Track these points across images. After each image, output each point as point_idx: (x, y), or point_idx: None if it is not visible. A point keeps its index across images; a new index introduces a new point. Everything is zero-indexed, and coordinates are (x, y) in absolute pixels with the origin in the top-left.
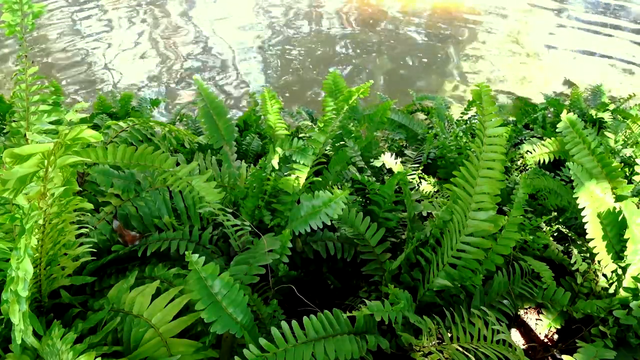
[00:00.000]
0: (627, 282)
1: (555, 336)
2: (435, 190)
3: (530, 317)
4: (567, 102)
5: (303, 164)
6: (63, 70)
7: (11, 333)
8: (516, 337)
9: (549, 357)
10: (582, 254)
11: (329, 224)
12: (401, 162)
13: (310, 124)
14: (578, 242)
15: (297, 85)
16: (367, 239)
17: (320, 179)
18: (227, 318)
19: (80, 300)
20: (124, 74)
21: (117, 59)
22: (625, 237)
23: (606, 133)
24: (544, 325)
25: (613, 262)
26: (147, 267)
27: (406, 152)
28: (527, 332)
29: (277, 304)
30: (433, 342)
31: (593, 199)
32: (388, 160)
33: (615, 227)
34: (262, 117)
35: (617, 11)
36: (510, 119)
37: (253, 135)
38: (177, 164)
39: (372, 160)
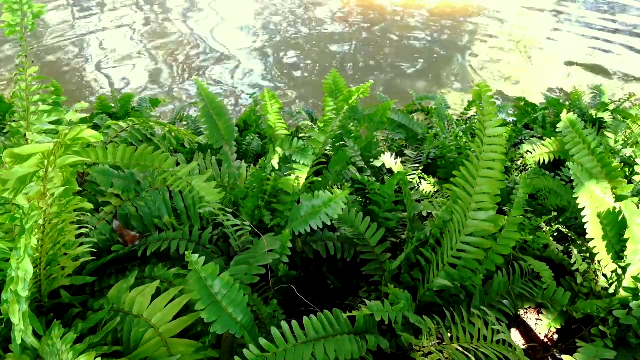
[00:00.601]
0: (627, 282)
1: (555, 336)
2: (435, 190)
3: (530, 317)
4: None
5: (303, 164)
6: (62, 74)
7: (11, 333)
8: (516, 337)
9: (549, 357)
10: (582, 254)
11: (329, 224)
12: (401, 162)
13: (310, 124)
14: (578, 242)
15: (297, 85)
16: (367, 239)
17: (320, 179)
18: (227, 318)
19: (80, 300)
20: (123, 77)
21: (116, 62)
22: (625, 237)
23: (606, 133)
24: (544, 325)
25: (613, 262)
26: (147, 267)
27: (406, 152)
28: (527, 332)
29: (277, 304)
30: (433, 342)
31: (593, 199)
32: (388, 160)
33: (615, 227)
34: (262, 117)
35: (615, 13)
36: (510, 119)
37: (253, 135)
38: (177, 164)
39: (372, 160)
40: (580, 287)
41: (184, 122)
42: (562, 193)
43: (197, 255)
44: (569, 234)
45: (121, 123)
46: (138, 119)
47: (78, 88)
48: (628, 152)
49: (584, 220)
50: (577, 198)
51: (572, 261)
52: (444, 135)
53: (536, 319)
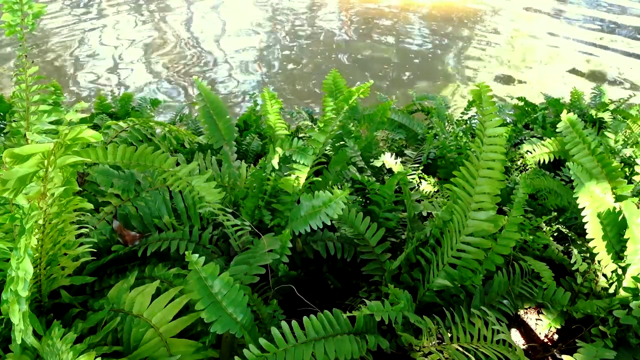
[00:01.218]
0: (627, 282)
1: (555, 336)
2: (435, 190)
3: (530, 317)
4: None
5: (303, 164)
6: (62, 75)
7: (11, 333)
8: (516, 337)
9: (549, 357)
10: (582, 254)
11: (329, 224)
12: (401, 162)
13: (310, 124)
14: (578, 242)
15: (297, 85)
16: (367, 239)
17: (320, 179)
18: (227, 318)
19: (80, 300)
20: (123, 79)
21: (116, 62)
22: (625, 237)
23: (606, 133)
24: (544, 325)
25: (613, 262)
26: (147, 267)
27: (406, 152)
28: (527, 332)
29: (277, 304)
30: (433, 342)
31: (593, 199)
32: (388, 160)
33: (615, 227)
34: (262, 117)
35: (614, 13)
36: (509, 119)
37: (253, 135)
38: (177, 164)
39: (372, 160)
40: (580, 287)
41: (184, 122)
42: (562, 193)
43: (197, 255)
44: (569, 234)
45: (121, 123)
46: (138, 119)
47: (78, 88)
48: (628, 152)
49: (584, 220)
50: (577, 198)
51: (572, 261)
52: (444, 135)
53: (536, 319)
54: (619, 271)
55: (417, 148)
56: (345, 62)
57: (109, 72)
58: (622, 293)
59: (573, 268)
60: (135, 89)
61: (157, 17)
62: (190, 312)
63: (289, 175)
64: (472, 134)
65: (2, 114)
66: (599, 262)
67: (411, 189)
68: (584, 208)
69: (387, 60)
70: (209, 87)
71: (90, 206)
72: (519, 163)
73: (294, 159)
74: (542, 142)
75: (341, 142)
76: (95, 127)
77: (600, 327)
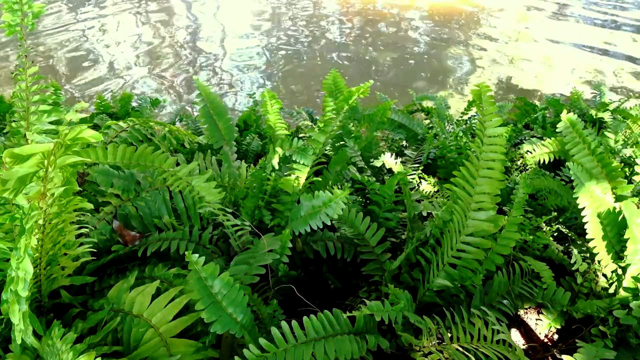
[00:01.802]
0: (627, 282)
1: (555, 336)
2: (435, 190)
3: (530, 317)
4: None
5: (303, 164)
6: (63, 75)
7: (11, 333)
8: (516, 337)
9: (549, 357)
10: (582, 254)
11: (329, 224)
12: (401, 162)
13: (310, 124)
14: (578, 242)
15: (297, 85)
16: (367, 239)
17: (320, 179)
18: (227, 318)
19: (80, 300)
20: (123, 79)
21: (116, 62)
22: (625, 237)
23: (606, 133)
24: (544, 325)
25: (613, 262)
26: (147, 267)
27: (406, 152)
28: (527, 332)
29: (277, 304)
30: (433, 342)
31: (593, 199)
32: (388, 160)
33: (615, 227)
34: (262, 117)
35: (616, 12)
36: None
37: (253, 135)
38: (177, 164)
39: (372, 160)
40: (580, 287)
41: (184, 122)
42: (562, 193)
43: (197, 255)
44: (569, 234)
45: (121, 123)
46: (138, 119)
47: (77, 88)
48: (628, 152)
49: (584, 220)
50: (577, 198)
51: (572, 261)
52: (444, 135)
53: (536, 319)
54: (619, 271)
55: (417, 148)
56: (345, 62)
57: (107, 73)
58: (622, 293)
59: (573, 268)
60: (136, 89)
61: (156, 19)
62: (190, 312)
63: (289, 175)
64: (472, 134)
65: (2, 114)
66: (599, 262)
67: (411, 189)
68: (584, 208)
69: (387, 60)
70: (208, 86)
71: (90, 206)
72: (519, 163)
73: (294, 159)
74: (542, 142)
75: (341, 142)
76: (95, 127)
77: (600, 327)
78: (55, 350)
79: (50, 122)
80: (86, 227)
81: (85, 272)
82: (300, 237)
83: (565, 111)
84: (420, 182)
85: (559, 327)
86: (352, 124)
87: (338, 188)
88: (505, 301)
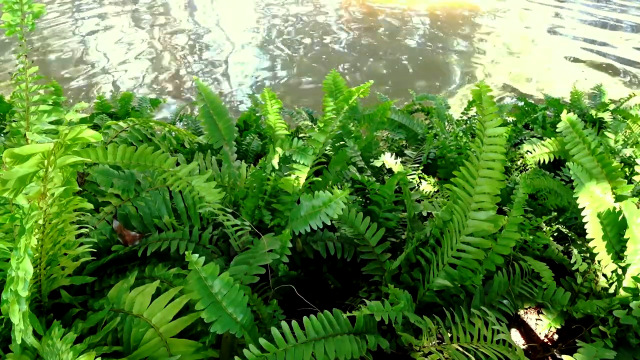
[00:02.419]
0: (627, 282)
1: (555, 336)
2: (435, 190)
3: (530, 317)
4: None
5: (303, 164)
6: (62, 75)
7: (11, 333)
8: (516, 337)
9: (549, 357)
10: (582, 254)
11: (329, 224)
12: (401, 162)
13: (310, 124)
14: (578, 242)
15: (297, 85)
16: (367, 239)
17: (320, 179)
18: (227, 318)
19: (80, 300)
20: (123, 80)
21: (116, 63)
22: (625, 237)
23: (606, 133)
24: (544, 325)
25: (613, 262)
26: (147, 267)
27: (406, 152)
28: (527, 332)
29: (277, 304)
30: (433, 342)
31: (593, 199)
32: (388, 160)
33: (615, 227)
34: (262, 117)
35: (617, 11)
36: (510, 119)
37: (253, 135)
38: (177, 164)
39: (372, 160)
40: (580, 287)
41: (184, 122)
42: (562, 193)
43: (197, 255)
44: (569, 234)
45: (121, 123)
46: (138, 119)
47: (78, 88)
48: (628, 152)
49: (584, 220)
50: (577, 198)
51: (572, 261)
52: (444, 135)
53: (536, 319)
54: (619, 271)
55: (417, 148)
56: (344, 64)
57: (110, 72)
58: (622, 293)
59: (573, 268)
60: (135, 90)
61: (155, 21)
62: (190, 312)
63: (289, 175)
64: (472, 134)
65: (2, 114)
66: (599, 262)
67: (411, 189)
68: (584, 208)
69: (387, 59)
70: (208, 86)
71: (90, 206)
72: (519, 163)
73: (294, 159)
74: (542, 142)
75: (341, 142)
76: (95, 127)
77: (600, 327)
78: (55, 350)
79: (50, 122)
80: (86, 227)
81: (85, 272)
82: (300, 237)
83: (565, 111)
84: (420, 182)
85: (559, 327)
86: (352, 124)
87: (338, 188)
88: (505, 301)
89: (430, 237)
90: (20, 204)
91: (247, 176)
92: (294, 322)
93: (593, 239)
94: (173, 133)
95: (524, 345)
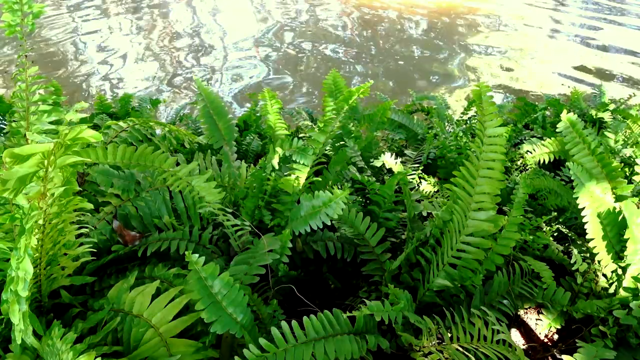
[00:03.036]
0: (627, 282)
1: (555, 336)
2: (435, 190)
3: (530, 317)
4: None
5: (303, 164)
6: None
7: (11, 333)
8: (516, 337)
9: (549, 357)
10: (582, 254)
11: (329, 224)
12: (401, 162)
13: (310, 124)
14: (578, 242)
15: (297, 85)
16: (367, 239)
17: (320, 179)
18: (227, 318)
19: (80, 300)
20: (123, 81)
21: (117, 65)
22: (625, 237)
23: (606, 133)
24: (544, 325)
25: (613, 262)
26: (147, 267)
27: (406, 152)
28: (527, 332)
29: (277, 304)
30: (433, 342)
31: (593, 199)
32: (388, 160)
33: (615, 227)
34: (262, 117)
35: (614, 11)
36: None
37: (253, 135)
38: (177, 164)
39: (372, 160)
40: (580, 287)
41: (184, 122)
42: (562, 193)
43: (197, 255)
44: (569, 234)
45: (121, 123)
46: (138, 119)
47: (78, 88)
48: (628, 152)
49: (584, 220)
50: (577, 198)
51: (572, 261)
52: (444, 135)
53: (536, 319)
54: (619, 271)
55: (417, 148)
56: (344, 63)
57: (110, 73)
58: (622, 293)
59: (573, 268)
60: (135, 90)
61: (155, 23)
62: (190, 312)
63: (289, 175)
64: (472, 134)
65: (2, 114)
66: (599, 262)
67: (411, 189)
68: (584, 208)
69: (387, 59)
70: (208, 86)
71: (90, 206)
72: (519, 163)
73: (294, 159)
74: (542, 142)
75: (341, 142)
76: (95, 127)
77: (600, 327)
78: (55, 350)
79: (50, 122)
80: (86, 227)
81: (85, 272)
82: (300, 237)
83: (565, 111)
84: (420, 182)
85: (559, 327)
86: (352, 124)
87: (338, 188)
88: (505, 301)
89: (430, 237)
90: (20, 204)
91: (247, 176)
92: (294, 322)
93: (593, 239)
94: (173, 133)
95: (524, 345)
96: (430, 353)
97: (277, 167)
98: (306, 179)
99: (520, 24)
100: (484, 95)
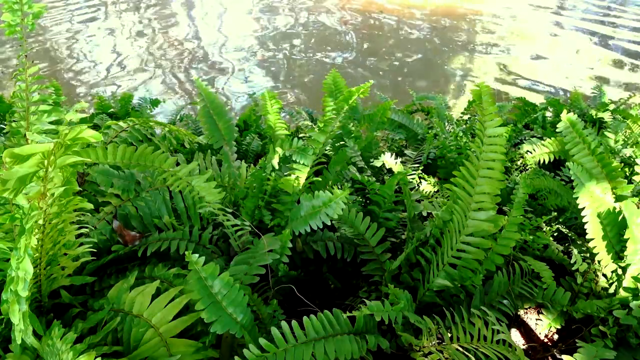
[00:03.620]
0: (627, 282)
1: (555, 336)
2: (435, 190)
3: (530, 317)
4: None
5: (303, 164)
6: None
7: (11, 333)
8: (516, 337)
9: (549, 357)
10: (582, 254)
11: (329, 224)
12: (401, 162)
13: (310, 124)
14: (578, 242)
15: (297, 85)
16: (367, 239)
17: (320, 179)
18: (227, 318)
19: (80, 300)
20: (124, 82)
21: (117, 63)
22: (625, 237)
23: (606, 133)
24: (544, 325)
25: (613, 262)
26: (147, 267)
27: (406, 152)
28: (527, 332)
29: (277, 304)
30: (433, 342)
31: (593, 199)
32: (388, 160)
33: (615, 227)
34: (262, 117)
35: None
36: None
37: (253, 135)
38: (177, 164)
39: (372, 160)
40: (580, 287)
41: (184, 122)
42: (562, 193)
43: (197, 255)
44: (569, 234)
45: (121, 123)
46: (138, 119)
47: (78, 88)
48: (628, 152)
49: (584, 220)
50: (577, 198)
51: (572, 261)
52: (444, 135)
53: (536, 319)
54: (619, 271)
55: (417, 148)
56: (344, 62)
57: (110, 73)
58: (622, 293)
59: (573, 268)
60: (135, 90)
61: (156, 26)
62: (190, 312)
63: (289, 175)
64: (472, 134)
65: (2, 114)
66: (599, 262)
67: (411, 189)
68: (584, 208)
69: (387, 59)
70: (208, 86)
71: (90, 206)
72: (519, 163)
73: (294, 159)
74: (542, 142)
75: (341, 142)
76: (95, 127)
77: (600, 327)
78: (55, 350)
79: (50, 122)
80: (86, 227)
81: (85, 272)
82: (300, 237)
83: (565, 111)
84: (420, 182)
85: (559, 327)
86: (352, 124)
87: (338, 188)
88: (505, 301)
89: (430, 237)
90: (20, 204)
91: (247, 176)
92: (294, 322)
93: (593, 239)
94: (173, 133)
95: (524, 345)
96: (430, 353)
97: (277, 167)
98: (306, 179)
99: (521, 24)
100: (484, 95)
